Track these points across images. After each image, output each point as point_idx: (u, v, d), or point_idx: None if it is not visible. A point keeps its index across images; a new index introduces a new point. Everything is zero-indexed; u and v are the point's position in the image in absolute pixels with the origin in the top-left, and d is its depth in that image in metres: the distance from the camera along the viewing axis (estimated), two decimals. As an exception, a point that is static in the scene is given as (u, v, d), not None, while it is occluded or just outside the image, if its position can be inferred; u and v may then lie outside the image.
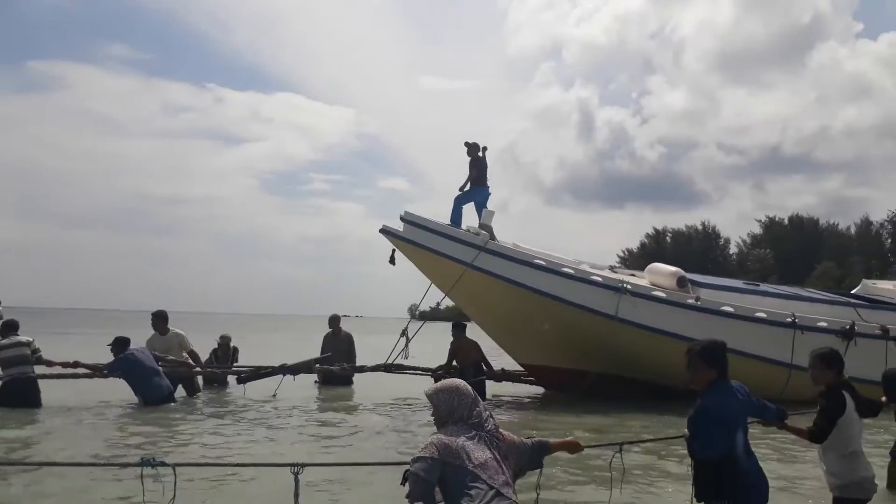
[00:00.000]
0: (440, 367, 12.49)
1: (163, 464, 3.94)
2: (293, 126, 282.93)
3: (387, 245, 12.49)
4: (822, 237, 68.85)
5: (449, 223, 12.63)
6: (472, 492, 3.46)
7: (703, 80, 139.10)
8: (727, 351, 4.40)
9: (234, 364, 13.06)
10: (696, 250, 68.14)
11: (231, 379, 12.54)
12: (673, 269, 13.32)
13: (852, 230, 68.73)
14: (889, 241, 63.23)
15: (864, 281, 17.24)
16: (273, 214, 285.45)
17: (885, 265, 58.65)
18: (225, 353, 13.31)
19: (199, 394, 11.61)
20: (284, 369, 11.76)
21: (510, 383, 13.18)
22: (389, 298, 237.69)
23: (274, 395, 11.40)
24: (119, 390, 10.46)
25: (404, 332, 12.53)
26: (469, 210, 12.87)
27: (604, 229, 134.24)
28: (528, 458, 3.94)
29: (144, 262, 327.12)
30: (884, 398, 6.16)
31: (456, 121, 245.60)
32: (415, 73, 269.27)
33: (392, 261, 12.52)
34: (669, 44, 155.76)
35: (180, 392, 11.05)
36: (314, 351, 13.23)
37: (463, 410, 3.75)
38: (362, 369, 12.44)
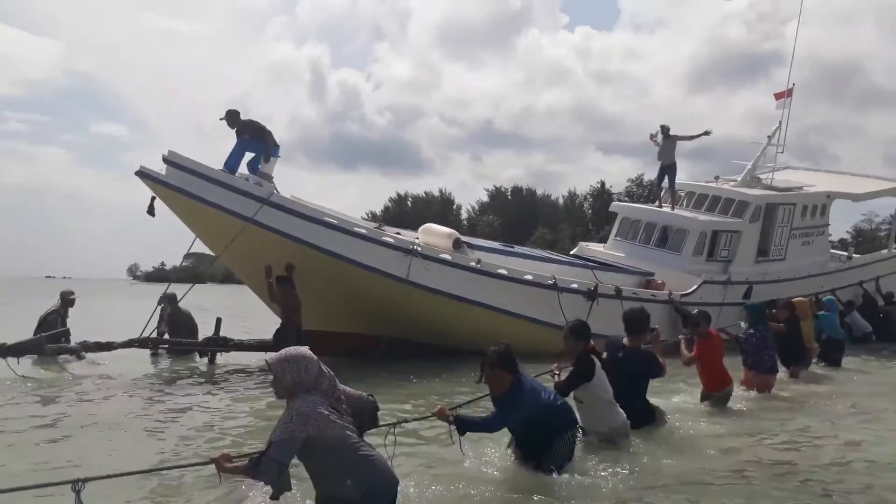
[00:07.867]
0: (208, 339, 10.97)
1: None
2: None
3: (132, 195, 10.63)
4: (538, 206, 77.12)
5: (223, 168, 11.00)
6: (357, 457, 3.66)
7: (426, 53, 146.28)
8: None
9: None
10: (434, 214, 71.53)
11: None
12: (448, 230, 13.26)
13: (560, 201, 78.08)
14: (590, 211, 72.88)
15: (580, 243, 19.21)
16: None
17: (586, 232, 67.65)
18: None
19: None
20: (3, 351, 9.16)
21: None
22: (105, 259, 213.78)
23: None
24: None
25: (162, 301, 10.73)
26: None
27: (337, 191, 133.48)
28: (368, 414, 4.04)
29: None
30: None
31: (182, 66, 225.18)
32: (135, 9, 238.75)
33: (151, 211, 10.52)
34: (396, 13, 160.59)
35: None
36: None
37: (310, 380, 3.68)
38: (110, 346, 9.99)
